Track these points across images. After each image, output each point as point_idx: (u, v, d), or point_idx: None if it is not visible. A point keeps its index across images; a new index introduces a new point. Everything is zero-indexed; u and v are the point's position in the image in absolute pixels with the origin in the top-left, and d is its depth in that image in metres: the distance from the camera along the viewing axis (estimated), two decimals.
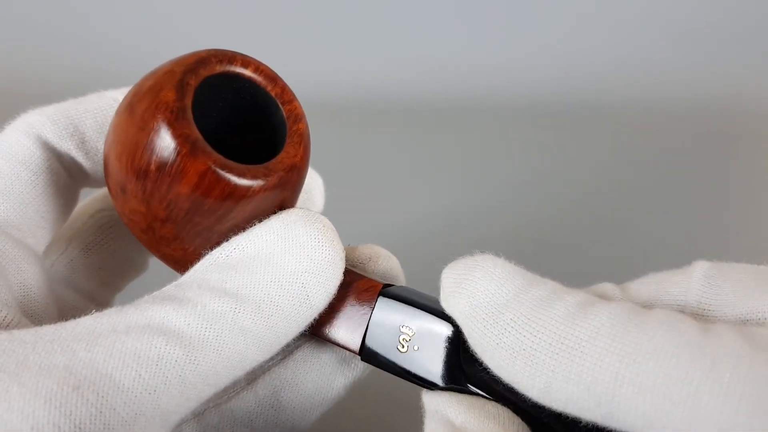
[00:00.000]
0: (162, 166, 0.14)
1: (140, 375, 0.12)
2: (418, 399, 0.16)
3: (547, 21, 0.77)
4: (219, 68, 0.16)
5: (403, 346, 0.15)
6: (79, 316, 0.13)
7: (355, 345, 0.16)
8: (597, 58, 0.65)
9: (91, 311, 0.13)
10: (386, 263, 0.18)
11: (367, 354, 0.16)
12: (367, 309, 0.16)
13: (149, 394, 0.12)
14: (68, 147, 0.17)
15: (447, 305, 0.15)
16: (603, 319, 0.12)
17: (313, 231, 0.15)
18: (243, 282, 0.14)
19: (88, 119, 0.18)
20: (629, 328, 0.11)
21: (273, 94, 0.17)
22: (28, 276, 0.16)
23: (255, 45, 0.78)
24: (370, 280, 0.17)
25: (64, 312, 0.17)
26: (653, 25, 0.76)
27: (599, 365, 0.11)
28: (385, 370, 0.16)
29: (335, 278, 0.15)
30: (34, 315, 0.16)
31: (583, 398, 0.12)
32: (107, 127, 0.18)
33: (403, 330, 0.16)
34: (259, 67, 0.17)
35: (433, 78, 0.73)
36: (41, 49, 0.77)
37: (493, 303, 0.13)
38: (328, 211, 0.34)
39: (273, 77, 0.17)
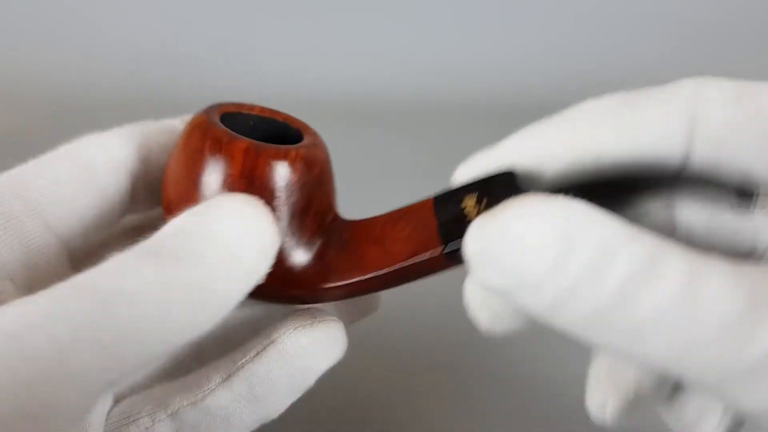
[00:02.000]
0: (213, 161, 0.15)
1: (50, 334, 0.11)
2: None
3: (546, 21, 0.77)
4: (232, 108, 0.18)
5: (467, 217, 0.16)
6: None
7: (437, 248, 0.16)
8: (596, 58, 0.65)
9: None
10: (329, 326, 0.18)
11: (450, 248, 0.16)
12: (428, 216, 0.16)
13: (59, 353, 0.11)
14: (140, 170, 0.18)
15: (479, 280, 0.14)
16: (655, 303, 0.12)
17: (241, 198, 0.15)
18: (166, 241, 0.13)
19: (155, 148, 0.18)
20: (679, 311, 0.12)
21: (280, 119, 0.19)
22: (53, 267, 0.16)
23: (255, 45, 0.78)
24: (418, 205, 0.17)
25: None
26: (652, 25, 0.76)
27: (654, 347, 0.12)
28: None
29: (269, 240, 0.14)
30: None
31: (640, 362, 0.13)
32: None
33: (465, 204, 0.16)
34: (262, 108, 0.19)
35: (433, 78, 0.73)
36: (41, 49, 0.77)
37: (531, 279, 0.12)
38: None
39: (276, 112, 0.19)
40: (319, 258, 0.17)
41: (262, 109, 0.19)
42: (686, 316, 0.11)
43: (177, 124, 0.19)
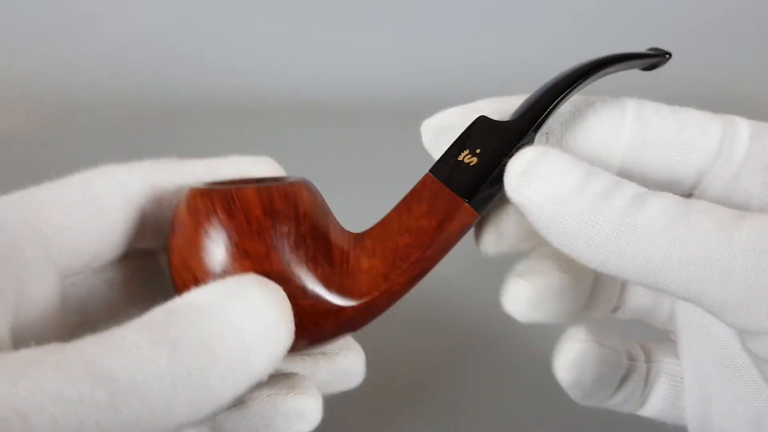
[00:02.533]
0: (229, 215, 0.16)
1: (54, 417, 0.12)
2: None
3: (546, 22, 0.77)
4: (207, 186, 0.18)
5: (470, 164, 0.17)
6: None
7: (463, 204, 0.17)
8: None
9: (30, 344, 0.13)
10: (352, 359, 0.18)
11: (474, 198, 0.17)
12: (434, 186, 0.17)
13: None
14: (155, 210, 0.18)
15: (515, 191, 0.16)
16: (656, 208, 0.15)
17: (265, 293, 0.14)
18: (183, 329, 0.13)
19: (169, 190, 0.19)
20: (677, 217, 0.14)
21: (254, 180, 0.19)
22: (46, 299, 0.16)
23: (255, 45, 0.78)
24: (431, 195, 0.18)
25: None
26: (652, 25, 0.76)
27: (651, 246, 0.14)
28: (491, 198, 0.18)
29: (281, 346, 0.14)
30: (32, 328, 0.16)
31: (635, 271, 0.15)
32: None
33: (462, 158, 0.18)
34: (232, 179, 0.20)
35: (433, 78, 0.73)
36: (42, 50, 0.77)
37: (558, 194, 0.15)
38: None
39: (249, 179, 0.20)
40: (357, 273, 0.17)
41: (233, 180, 0.19)
42: (678, 232, 0.14)
43: (195, 165, 0.19)
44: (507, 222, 0.19)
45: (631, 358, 0.20)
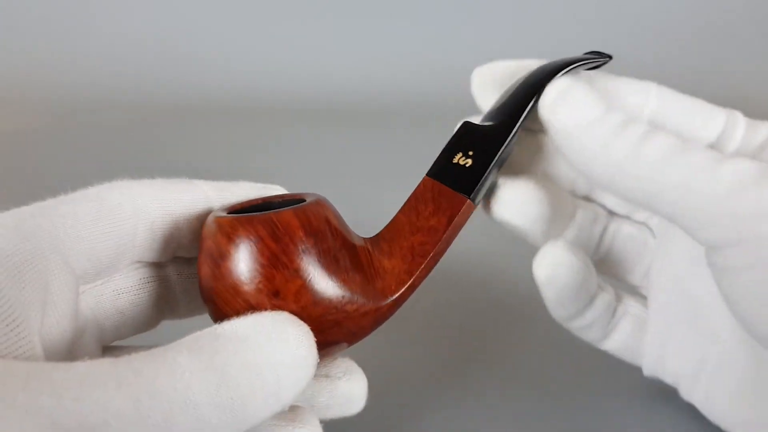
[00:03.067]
0: (245, 244, 0.17)
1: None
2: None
3: (546, 22, 0.77)
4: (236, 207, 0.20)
5: (466, 166, 0.20)
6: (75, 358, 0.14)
7: (465, 201, 0.20)
8: None
9: (83, 358, 0.14)
10: (354, 385, 0.20)
11: (475, 195, 0.20)
12: (436, 188, 0.20)
13: None
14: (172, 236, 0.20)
15: (547, 112, 0.19)
16: (660, 142, 0.18)
17: (299, 332, 0.16)
18: (229, 358, 0.14)
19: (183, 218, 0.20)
20: (676, 151, 0.18)
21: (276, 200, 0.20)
22: (67, 307, 0.17)
23: (255, 46, 0.78)
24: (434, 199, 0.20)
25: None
26: (651, 25, 0.76)
27: (651, 171, 0.18)
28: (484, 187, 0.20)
29: (305, 381, 0.16)
30: (50, 341, 0.16)
31: (634, 189, 0.18)
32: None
33: (457, 161, 0.20)
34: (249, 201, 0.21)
35: (432, 78, 0.73)
36: (43, 50, 0.77)
37: (583, 120, 0.19)
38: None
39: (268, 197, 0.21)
40: (383, 273, 0.19)
41: (248, 203, 0.20)
42: (675, 161, 0.18)
43: (205, 186, 0.20)
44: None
45: (601, 287, 0.23)
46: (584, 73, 0.21)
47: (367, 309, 0.18)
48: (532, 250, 0.22)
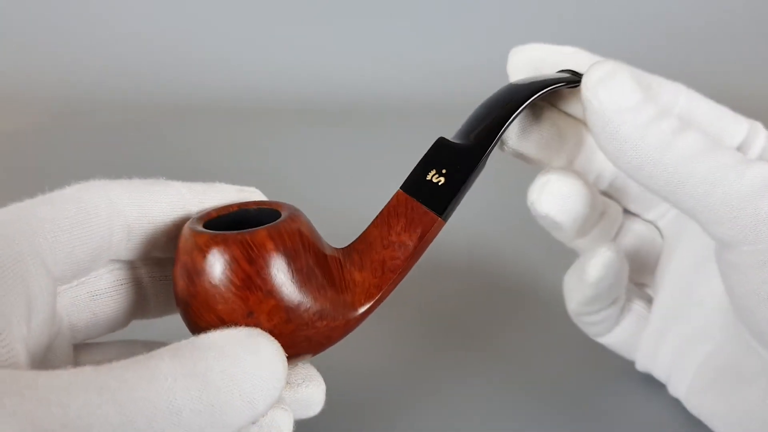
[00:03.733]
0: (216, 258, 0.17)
1: None
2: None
3: (546, 22, 0.77)
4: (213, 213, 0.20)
5: (439, 184, 0.21)
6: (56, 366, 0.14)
7: (436, 219, 0.20)
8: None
9: (62, 363, 0.14)
10: (312, 390, 0.20)
11: (446, 213, 0.20)
12: (409, 203, 0.20)
13: None
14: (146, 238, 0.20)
15: (589, 91, 0.20)
16: (693, 138, 0.19)
17: (271, 347, 0.17)
18: (210, 367, 0.15)
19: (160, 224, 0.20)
20: (706, 148, 0.19)
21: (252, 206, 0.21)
22: (46, 311, 0.17)
23: (255, 46, 0.78)
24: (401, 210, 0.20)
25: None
26: (650, 25, 0.76)
27: (680, 163, 0.18)
28: (456, 201, 0.20)
29: (277, 392, 0.17)
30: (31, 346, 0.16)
31: (660, 178, 0.19)
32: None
33: (431, 177, 0.21)
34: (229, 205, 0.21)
35: (433, 78, 0.73)
36: (43, 51, 0.77)
37: (622, 105, 0.19)
38: (324, 210, 0.35)
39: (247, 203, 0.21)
40: (353, 286, 0.19)
41: (223, 207, 0.21)
42: (704, 157, 0.18)
43: (182, 189, 0.20)
44: (533, 128, 0.23)
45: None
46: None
47: (336, 324, 0.18)
48: (523, 240, 0.23)
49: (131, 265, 0.21)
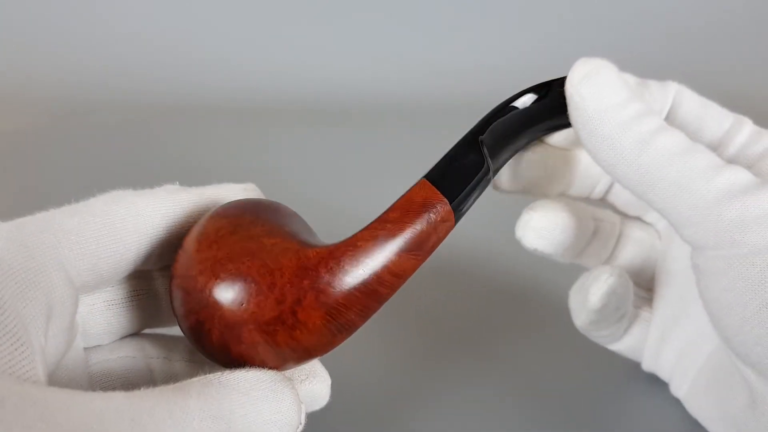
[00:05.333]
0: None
1: None
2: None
3: (546, 22, 0.77)
4: None
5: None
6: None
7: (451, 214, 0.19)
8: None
9: (96, 389, 0.14)
10: (317, 386, 0.20)
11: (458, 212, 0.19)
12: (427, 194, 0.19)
13: None
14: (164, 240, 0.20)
15: (573, 87, 0.20)
16: (670, 139, 0.19)
17: (292, 396, 0.17)
18: (234, 410, 0.15)
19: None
20: (682, 151, 0.18)
21: None
22: (66, 320, 0.17)
23: (255, 46, 0.78)
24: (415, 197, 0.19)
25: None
26: (650, 25, 0.76)
27: (655, 164, 0.19)
28: (471, 202, 0.20)
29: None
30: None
31: (633, 178, 0.19)
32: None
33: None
34: None
35: (433, 78, 0.73)
36: (43, 51, 0.77)
37: (604, 103, 0.19)
38: (324, 210, 0.35)
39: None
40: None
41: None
42: (679, 159, 0.18)
43: (208, 192, 0.21)
44: (522, 167, 0.23)
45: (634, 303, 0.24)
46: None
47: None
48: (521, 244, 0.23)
49: (148, 275, 0.21)
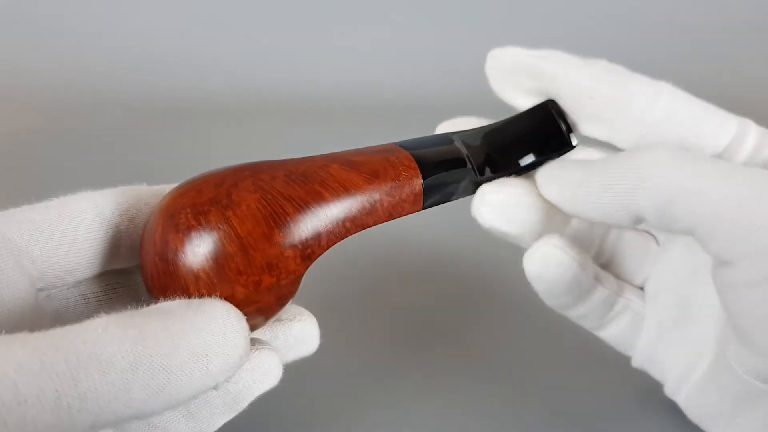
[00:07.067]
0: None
1: (16, 384, 0.12)
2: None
3: (546, 22, 0.77)
4: None
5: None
6: None
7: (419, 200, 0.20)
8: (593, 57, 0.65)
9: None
10: (306, 326, 0.20)
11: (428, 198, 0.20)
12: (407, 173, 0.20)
13: (18, 404, 0.12)
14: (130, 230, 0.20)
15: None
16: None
17: (226, 308, 0.16)
18: (150, 321, 0.14)
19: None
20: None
21: None
22: (21, 308, 0.17)
23: (254, 46, 0.78)
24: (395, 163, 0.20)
25: None
26: (650, 25, 0.76)
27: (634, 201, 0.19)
28: (445, 196, 0.21)
29: (237, 355, 0.16)
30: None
31: (618, 213, 0.19)
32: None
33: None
34: None
35: (432, 78, 0.73)
36: (43, 51, 0.77)
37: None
38: None
39: None
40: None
41: None
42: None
43: (166, 190, 0.20)
44: (516, 220, 0.22)
45: (600, 280, 0.23)
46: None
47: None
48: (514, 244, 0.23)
49: (126, 272, 0.21)
